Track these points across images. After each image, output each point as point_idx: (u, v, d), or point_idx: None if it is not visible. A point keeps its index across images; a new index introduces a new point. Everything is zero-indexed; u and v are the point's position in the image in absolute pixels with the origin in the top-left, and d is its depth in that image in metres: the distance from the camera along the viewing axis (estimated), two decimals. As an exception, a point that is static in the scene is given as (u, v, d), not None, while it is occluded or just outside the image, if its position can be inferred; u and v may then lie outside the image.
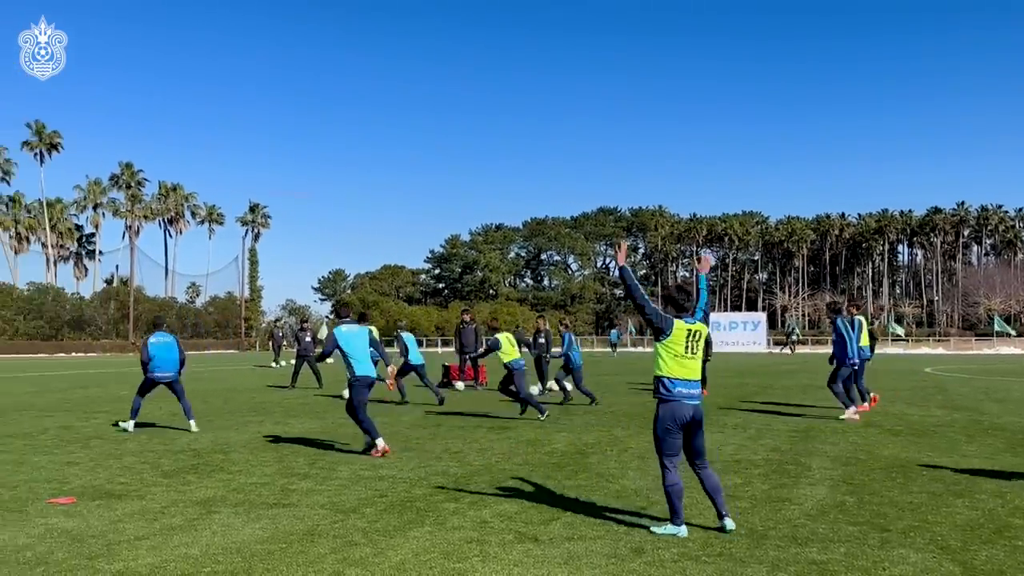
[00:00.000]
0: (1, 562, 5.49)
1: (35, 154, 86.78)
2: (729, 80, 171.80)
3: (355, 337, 10.78)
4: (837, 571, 5.35)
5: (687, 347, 6.38)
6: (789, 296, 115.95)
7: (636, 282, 6.67)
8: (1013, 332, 62.52)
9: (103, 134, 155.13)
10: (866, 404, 15.06)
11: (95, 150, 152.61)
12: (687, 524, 6.37)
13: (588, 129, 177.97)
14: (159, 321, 13.35)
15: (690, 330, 6.43)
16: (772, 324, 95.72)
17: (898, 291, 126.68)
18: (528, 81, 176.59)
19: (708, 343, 19.60)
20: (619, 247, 7.12)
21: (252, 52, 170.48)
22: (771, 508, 7.15)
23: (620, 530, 6.41)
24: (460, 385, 21.44)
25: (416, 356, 18.02)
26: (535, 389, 19.63)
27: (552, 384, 20.31)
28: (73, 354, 62.10)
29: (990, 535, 6.22)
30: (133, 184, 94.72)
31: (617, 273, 6.90)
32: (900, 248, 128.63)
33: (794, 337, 62.76)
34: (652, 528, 6.37)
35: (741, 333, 69.41)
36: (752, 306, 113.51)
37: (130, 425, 12.56)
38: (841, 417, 13.83)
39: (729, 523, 6.33)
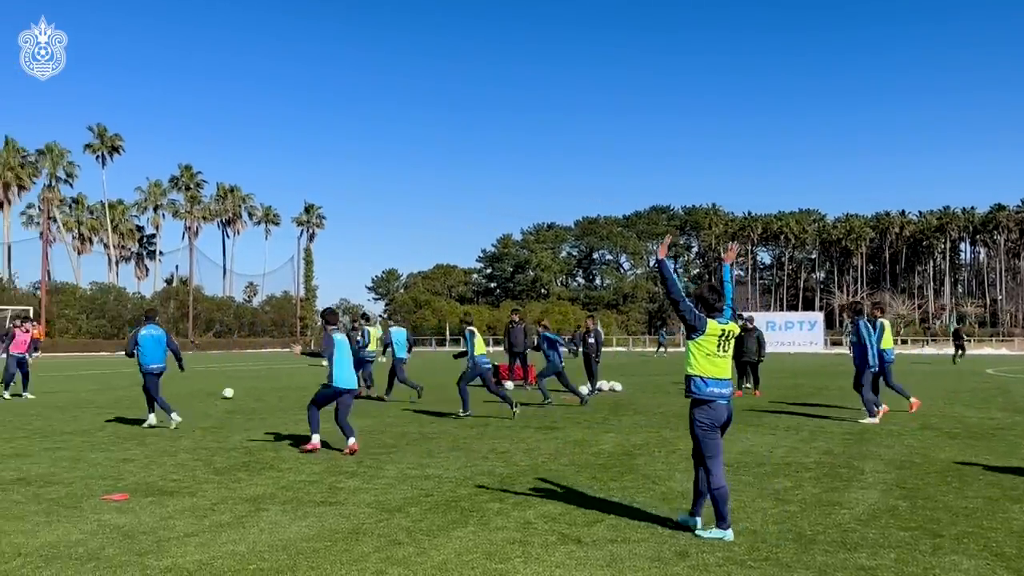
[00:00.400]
0: (54, 557, 5.64)
1: (97, 157, 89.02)
2: (785, 75, 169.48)
3: (344, 345, 11.14)
4: (886, 578, 5.24)
5: (719, 346, 6.36)
6: (847, 295, 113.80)
7: (674, 277, 6.64)
8: None
9: (163, 137, 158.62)
10: (912, 401, 14.94)
11: (155, 152, 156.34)
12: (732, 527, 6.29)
13: (641, 127, 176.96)
14: (151, 314, 13.55)
15: (723, 330, 6.41)
16: (829, 324, 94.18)
17: (960, 290, 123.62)
18: (582, 79, 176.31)
19: (760, 343, 19.42)
20: (663, 240, 7.07)
21: (307, 55, 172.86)
22: (821, 512, 7.02)
23: (665, 533, 6.35)
24: (509, 384, 21.45)
25: (401, 351, 18.85)
26: (584, 389, 19.58)
27: (602, 384, 20.23)
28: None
29: (1049, 543, 6.03)
30: (192, 186, 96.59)
31: (656, 266, 6.85)
32: (962, 246, 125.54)
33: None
34: (698, 531, 6.30)
35: (797, 333, 68.31)
36: (809, 306, 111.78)
37: (152, 418, 12.86)
38: (860, 421, 13.53)
39: (698, 521, 6.40)
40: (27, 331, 19.62)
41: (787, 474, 8.83)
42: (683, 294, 6.42)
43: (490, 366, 14.88)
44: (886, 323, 15.01)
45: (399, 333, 19.14)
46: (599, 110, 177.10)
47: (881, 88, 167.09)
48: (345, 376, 10.88)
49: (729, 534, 6.18)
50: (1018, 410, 15.57)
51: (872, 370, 13.99)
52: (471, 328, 15.02)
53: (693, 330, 6.36)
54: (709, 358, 6.34)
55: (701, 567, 5.47)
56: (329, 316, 11.48)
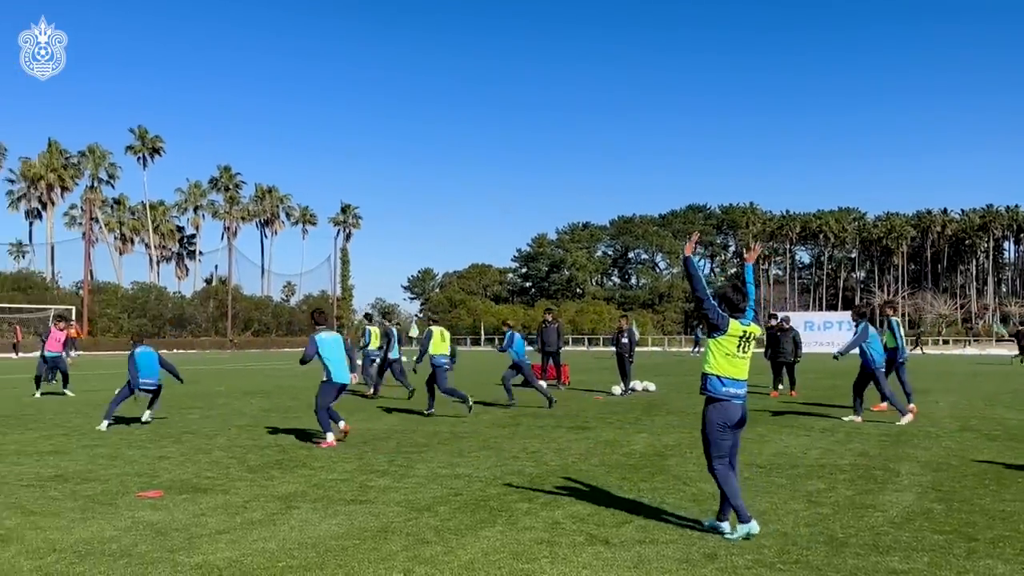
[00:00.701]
0: (87, 553, 5.73)
1: (138, 158, 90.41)
2: (825, 72, 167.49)
3: (332, 343, 11.42)
4: (918, 582, 5.15)
5: (739, 346, 6.36)
6: (888, 295, 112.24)
7: (700, 274, 6.61)
8: None
9: (203, 138, 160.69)
10: (883, 405, 14.96)
11: (195, 154, 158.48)
12: (762, 525, 6.23)
13: (677, 124, 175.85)
14: (141, 336, 14.10)
15: (744, 331, 6.41)
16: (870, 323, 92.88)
17: (1004, 290, 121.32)
18: (616, 77, 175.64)
19: (796, 343, 19.22)
20: (690, 237, 7.03)
21: (344, 56, 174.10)
22: (854, 515, 6.92)
23: (694, 535, 6.30)
24: (542, 384, 21.40)
25: (395, 351, 19.38)
26: (617, 389, 19.51)
27: (635, 384, 20.15)
28: (174, 351, 64.38)
29: (1088, 548, 5.90)
30: (231, 186, 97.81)
31: (682, 262, 6.85)
32: (1006, 245, 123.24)
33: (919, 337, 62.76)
34: (726, 535, 6.25)
35: (836, 333, 67.31)
36: (849, 305, 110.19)
37: (104, 425, 12.73)
38: (898, 423, 13.30)
39: (726, 527, 6.29)
40: (62, 330, 19.92)
41: (821, 476, 8.72)
42: (708, 292, 6.39)
43: (445, 364, 15.22)
44: (897, 321, 15.26)
45: (393, 333, 19.57)
46: (635, 109, 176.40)
47: (923, 85, 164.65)
48: (342, 372, 11.33)
49: (754, 526, 6.20)
50: (1062, 412, 15.24)
51: (879, 369, 14.04)
52: (431, 328, 15.51)
53: (715, 329, 6.36)
54: (728, 358, 6.33)
55: (730, 569, 5.43)
56: (316, 316, 11.86)
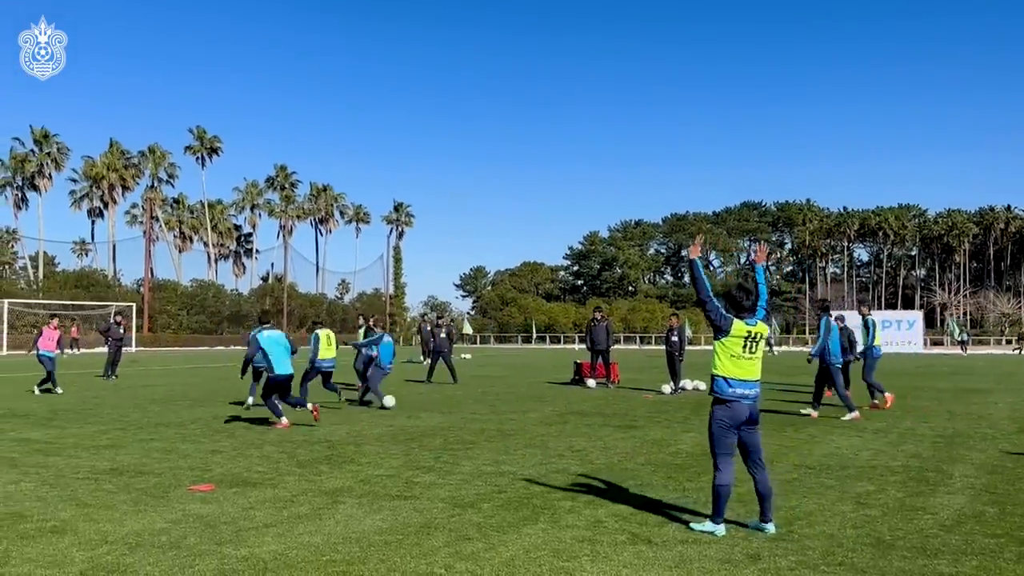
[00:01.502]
0: (138, 545, 5.88)
1: (197, 158, 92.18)
2: (883, 63, 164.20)
3: (274, 340, 12.62)
4: (966, 587, 5.05)
5: (745, 347, 6.35)
6: (949, 294, 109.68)
7: (704, 277, 6.61)
8: None
9: (259, 137, 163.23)
10: (886, 396, 15.65)
11: (252, 153, 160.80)
12: (794, 531, 6.15)
13: (731, 119, 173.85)
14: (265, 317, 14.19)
15: (749, 331, 6.39)
16: (930, 323, 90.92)
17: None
18: (669, 72, 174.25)
19: (852, 341, 18.89)
20: (695, 239, 6.99)
21: (396, 56, 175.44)
22: (903, 517, 6.80)
23: (737, 535, 6.25)
24: (591, 383, 21.38)
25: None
26: (667, 388, 19.39)
27: (685, 383, 20.00)
28: (232, 347, 65.61)
29: None
30: (287, 185, 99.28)
31: (687, 264, 6.84)
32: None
33: (963, 337, 61.24)
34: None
35: (895, 332, 66.05)
36: (909, 304, 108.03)
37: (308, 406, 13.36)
38: (843, 419, 13.70)
39: (770, 527, 6.29)
40: (55, 328, 20.04)
41: (871, 478, 8.58)
42: (711, 295, 6.43)
43: (330, 366, 16.02)
44: (875, 320, 16.20)
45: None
46: (689, 104, 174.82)
47: (984, 79, 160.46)
48: (283, 365, 12.53)
49: (721, 529, 6.25)
50: None
51: (836, 365, 14.57)
52: (316, 331, 15.81)
53: (719, 331, 6.40)
54: (734, 359, 6.35)
55: (772, 571, 5.38)
56: (262, 316, 13.15)
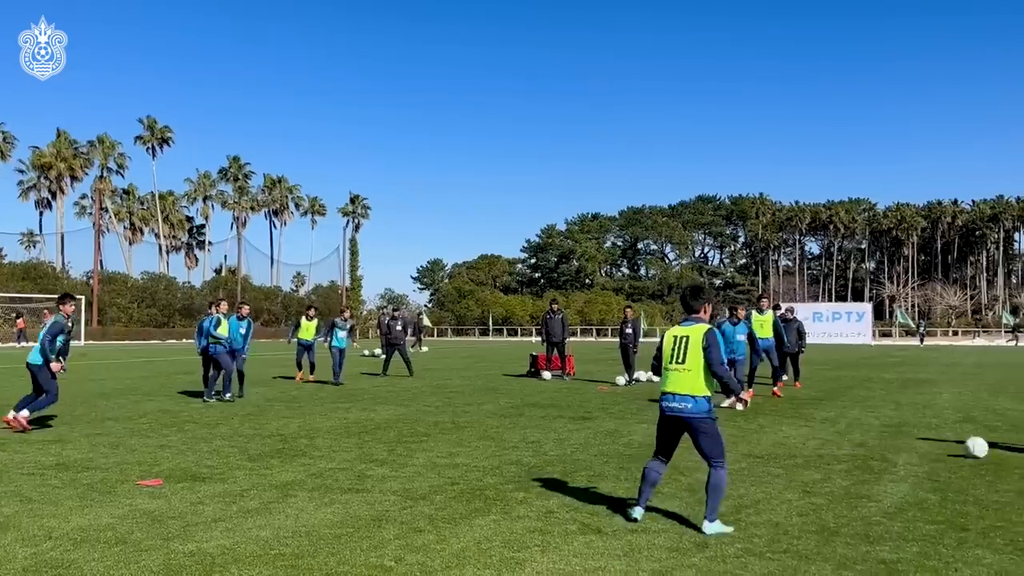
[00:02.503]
0: (83, 540, 5.79)
1: (147, 148, 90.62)
2: (834, 62, 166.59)
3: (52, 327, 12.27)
4: (906, 571, 5.17)
5: (672, 357, 6.35)
6: (898, 286, 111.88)
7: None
8: None
9: (212, 128, 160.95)
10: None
11: (204, 144, 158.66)
12: (742, 520, 6.24)
13: (686, 114, 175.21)
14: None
15: (675, 336, 6.41)
16: (879, 315, 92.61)
17: (1014, 280, 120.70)
18: (623, 66, 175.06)
19: (801, 334, 19.18)
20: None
21: (351, 47, 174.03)
22: (847, 505, 6.94)
23: (686, 524, 6.32)
24: (547, 375, 21.47)
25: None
26: (621, 380, 19.53)
27: (640, 374, 20.16)
28: (184, 340, 64.67)
29: (1079, 539, 5.90)
30: (240, 177, 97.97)
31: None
32: (1016, 236, 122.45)
33: (921, 329, 63.01)
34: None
35: (845, 324, 67.27)
36: (858, 296, 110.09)
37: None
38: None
39: (707, 526, 6.05)
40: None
41: (818, 466, 8.74)
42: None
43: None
44: (770, 314, 17.18)
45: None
46: (645, 99, 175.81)
47: (934, 75, 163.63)
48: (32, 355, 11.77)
49: (636, 511, 6.38)
50: (1066, 403, 15.20)
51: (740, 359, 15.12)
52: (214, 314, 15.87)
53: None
54: (666, 371, 6.44)
55: (719, 558, 5.45)
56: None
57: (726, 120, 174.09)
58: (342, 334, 20.28)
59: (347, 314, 22.03)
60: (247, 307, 17.52)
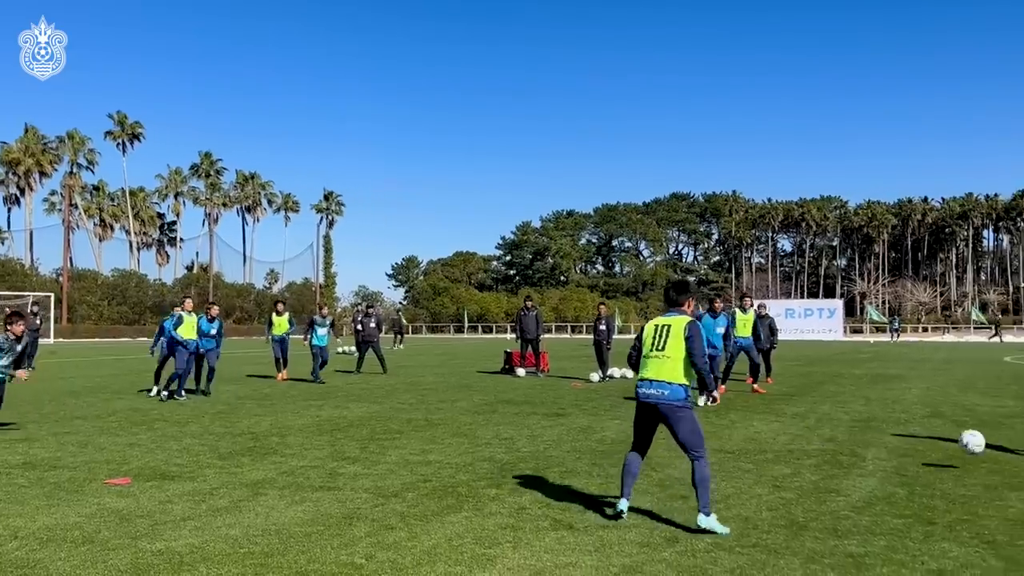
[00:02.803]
0: (49, 540, 5.72)
1: (118, 144, 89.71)
2: (807, 60, 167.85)
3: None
4: (873, 564, 5.22)
5: (653, 344, 6.35)
6: (868, 283, 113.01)
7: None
8: None
9: (183, 124, 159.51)
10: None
11: (176, 140, 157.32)
12: (728, 514, 6.29)
13: (660, 112, 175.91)
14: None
15: (657, 325, 6.42)
16: (850, 312, 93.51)
17: (983, 277, 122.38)
18: (599, 64, 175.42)
19: (773, 330, 19.32)
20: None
21: (325, 42, 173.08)
22: (816, 499, 7.00)
23: (657, 519, 6.35)
24: (521, 372, 21.49)
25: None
26: (595, 376, 19.59)
27: (613, 371, 20.23)
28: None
29: (1042, 531, 6.00)
30: (212, 173, 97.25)
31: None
32: (985, 233, 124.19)
33: (895, 325, 63.86)
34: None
35: (816, 321, 67.99)
36: (830, 293, 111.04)
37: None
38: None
39: (701, 519, 5.94)
40: None
41: (788, 461, 8.80)
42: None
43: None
44: (752, 314, 17.31)
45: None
46: (619, 96, 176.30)
47: (904, 74, 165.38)
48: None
49: (621, 503, 6.33)
50: (1031, 398, 15.42)
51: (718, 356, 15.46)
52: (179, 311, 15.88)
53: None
54: (645, 358, 6.43)
55: (689, 552, 5.49)
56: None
57: (700, 118, 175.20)
58: (322, 331, 19.99)
59: (325, 310, 21.69)
60: (216, 308, 17.25)
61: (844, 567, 5.18)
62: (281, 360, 20.22)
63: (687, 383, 6.23)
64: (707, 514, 5.96)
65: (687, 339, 6.20)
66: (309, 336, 20.06)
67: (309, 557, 5.38)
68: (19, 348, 10.92)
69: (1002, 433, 10.86)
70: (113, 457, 9.04)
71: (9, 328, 10.90)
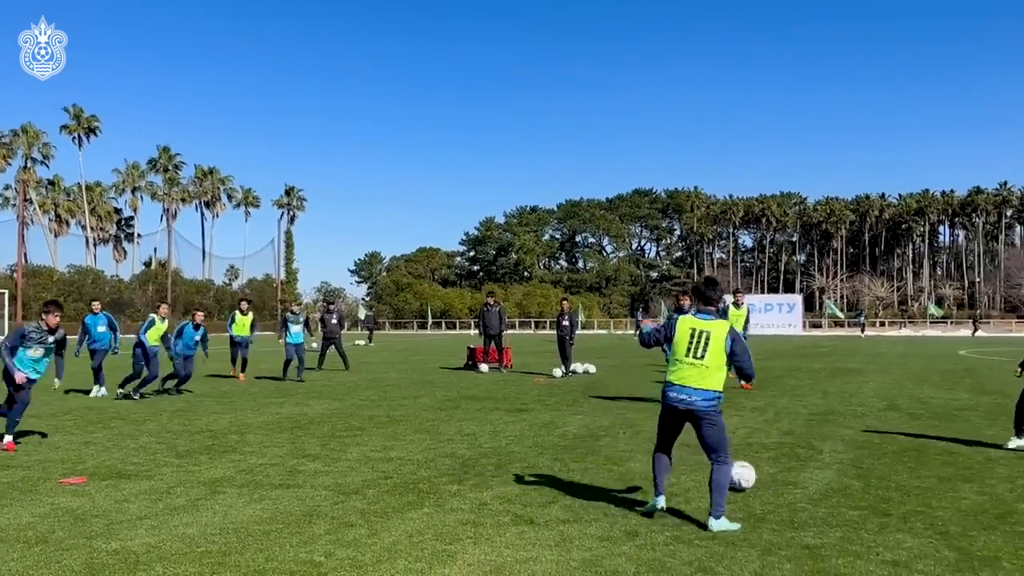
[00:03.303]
0: (2, 540, 5.61)
1: (73, 138, 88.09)
2: (765, 57, 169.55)
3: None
4: (829, 555, 5.30)
5: (689, 350, 6.15)
6: (827, 278, 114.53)
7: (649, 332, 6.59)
8: None
9: (141, 118, 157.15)
10: None
11: (133, 134, 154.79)
12: (674, 507, 6.33)
13: (623, 109, 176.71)
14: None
15: (693, 329, 6.19)
16: (809, 307, 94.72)
17: (939, 272, 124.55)
18: (562, 60, 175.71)
19: (747, 321, 19.52)
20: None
21: (285, 36, 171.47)
22: (774, 492, 7.09)
23: (617, 513, 6.39)
24: (484, 367, 21.47)
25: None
26: (558, 372, 19.64)
27: (576, 366, 20.30)
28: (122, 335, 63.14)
29: (992, 520, 6.12)
30: (170, 167, 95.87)
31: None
32: (941, 229, 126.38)
33: (860, 320, 65.11)
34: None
35: (776, 315, 68.81)
36: (789, 288, 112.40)
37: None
38: None
39: (712, 523, 5.87)
40: None
41: (747, 454, 8.88)
42: (650, 333, 6.62)
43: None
44: (744, 310, 17.57)
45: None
46: (580, 93, 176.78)
47: (862, 72, 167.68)
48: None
49: (659, 500, 6.29)
50: (984, 391, 15.74)
51: None
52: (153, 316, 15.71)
53: (668, 340, 6.40)
54: (678, 362, 6.27)
55: (648, 546, 5.52)
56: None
57: (662, 113, 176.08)
58: (296, 328, 19.27)
59: (297, 307, 20.87)
60: (201, 314, 16.72)
61: (800, 559, 5.24)
62: (241, 360, 19.66)
63: (722, 390, 6.16)
64: (717, 517, 5.89)
65: (733, 355, 6.12)
66: (283, 335, 19.36)
67: (267, 555, 5.33)
68: (51, 340, 10.11)
69: (956, 425, 11.08)
70: (68, 456, 8.89)
71: (44, 317, 10.08)
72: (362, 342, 43.22)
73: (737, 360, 6.15)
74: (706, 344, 6.09)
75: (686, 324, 6.23)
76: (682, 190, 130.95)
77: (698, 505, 6.60)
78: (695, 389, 6.09)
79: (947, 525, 6.01)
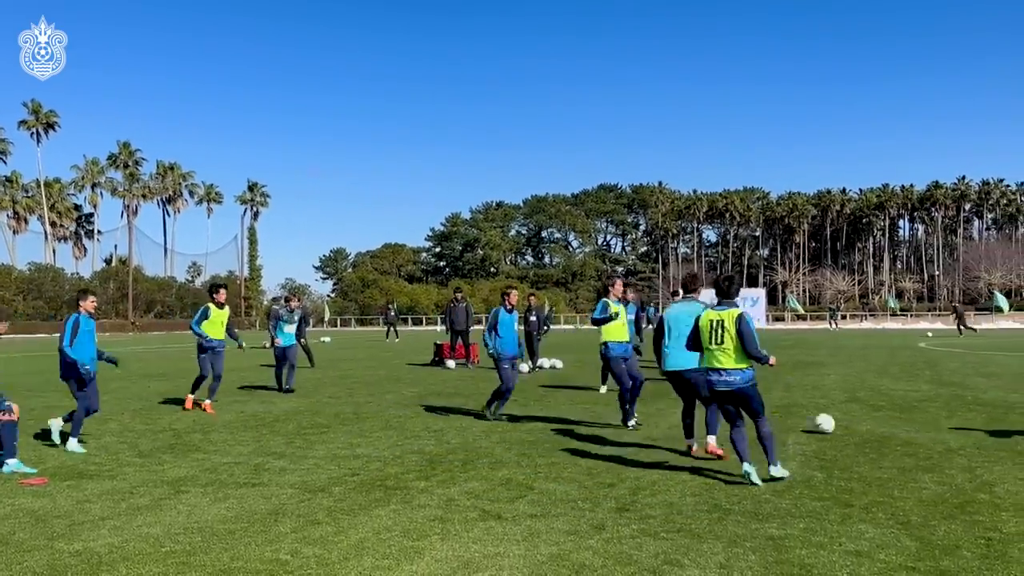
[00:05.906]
0: (-41, 543, 5.52)
1: (32, 133, 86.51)
2: (729, 54, 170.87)
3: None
4: (792, 546, 5.36)
5: (711, 338, 7.27)
6: (790, 272, 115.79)
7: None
8: (1006, 309, 63.26)
9: (101, 114, 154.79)
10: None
11: (93, 130, 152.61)
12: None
13: (588, 105, 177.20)
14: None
15: (712, 320, 7.31)
16: (772, 300, 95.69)
17: (899, 266, 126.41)
18: (527, 57, 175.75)
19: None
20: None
21: (248, 31, 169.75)
22: (738, 485, 7.15)
23: (585, 507, 6.42)
24: (451, 364, 21.45)
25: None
26: (524, 367, 19.66)
27: (543, 361, 20.34)
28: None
29: (952, 510, 6.23)
30: (131, 163, 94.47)
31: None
32: (901, 223, 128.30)
33: (839, 313, 66.28)
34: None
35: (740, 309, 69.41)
36: (753, 282, 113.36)
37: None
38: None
39: (772, 469, 7.20)
40: None
41: (712, 448, 8.96)
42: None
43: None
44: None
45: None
46: (545, 89, 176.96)
47: (824, 67, 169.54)
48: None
49: (746, 466, 7.11)
50: (944, 383, 16.00)
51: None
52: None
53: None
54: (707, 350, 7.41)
55: (615, 539, 5.56)
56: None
57: (627, 108, 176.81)
58: (290, 328, 15.96)
59: (294, 303, 16.73)
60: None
61: (764, 550, 5.31)
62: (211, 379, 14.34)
63: (749, 365, 7.20)
64: (775, 464, 7.21)
65: (739, 333, 7.13)
66: (275, 336, 15.89)
67: (233, 555, 5.29)
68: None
69: (916, 416, 11.26)
70: (28, 456, 8.71)
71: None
72: (328, 339, 42.95)
73: (743, 341, 7.12)
74: (722, 331, 7.21)
75: (707, 317, 7.36)
76: (647, 185, 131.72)
77: (663, 498, 6.66)
78: (731, 370, 7.19)
79: (908, 515, 6.11)
